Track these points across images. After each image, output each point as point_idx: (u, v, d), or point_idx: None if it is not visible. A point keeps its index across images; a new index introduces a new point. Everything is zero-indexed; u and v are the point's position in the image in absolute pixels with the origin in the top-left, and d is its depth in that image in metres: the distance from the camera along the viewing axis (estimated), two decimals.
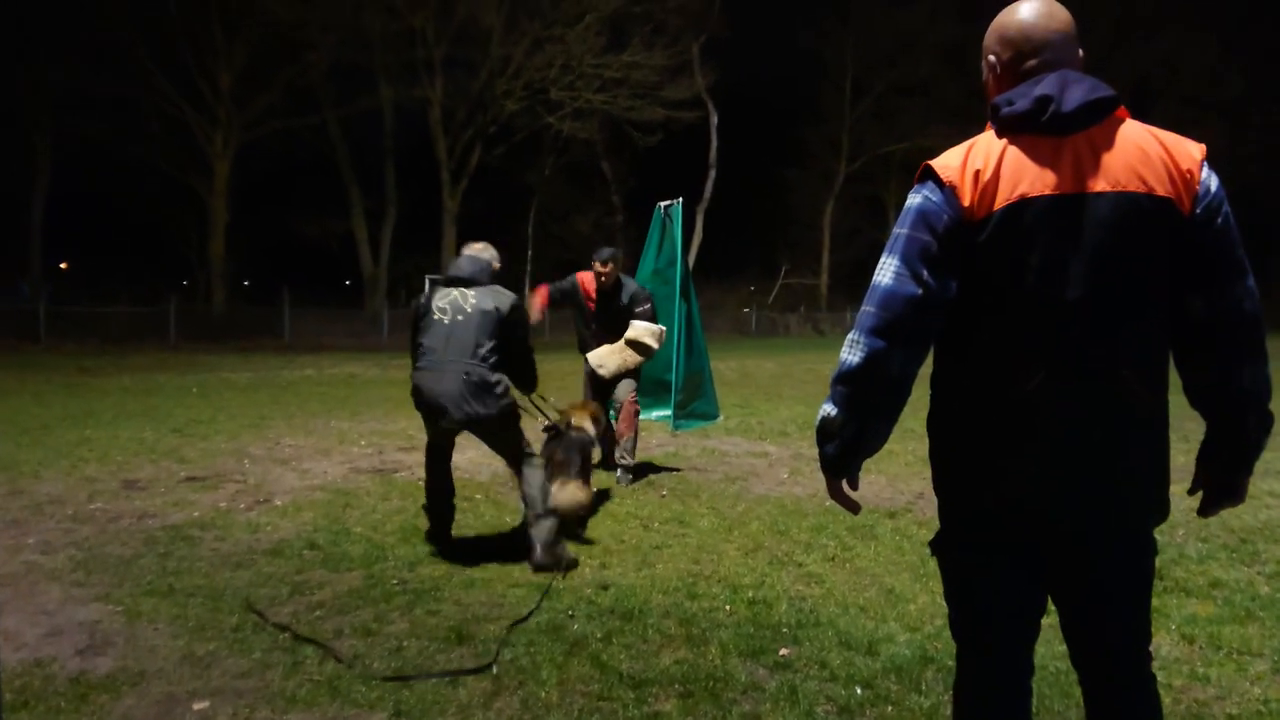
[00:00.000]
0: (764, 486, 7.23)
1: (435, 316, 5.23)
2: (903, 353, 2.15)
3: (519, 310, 5.33)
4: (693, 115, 37.94)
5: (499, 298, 5.29)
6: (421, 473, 5.70)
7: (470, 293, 5.30)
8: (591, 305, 7.83)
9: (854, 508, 2.35)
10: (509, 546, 5.44)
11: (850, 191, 53.23)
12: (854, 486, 2.32)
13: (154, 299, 29.51)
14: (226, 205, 33.22)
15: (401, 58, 33.93)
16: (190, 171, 33.20)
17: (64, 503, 6.54)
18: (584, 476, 5.82)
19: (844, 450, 2.22)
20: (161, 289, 32.16)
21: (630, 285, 7.84)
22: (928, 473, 7.28)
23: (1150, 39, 54.44)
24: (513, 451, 5.35)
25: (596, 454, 6.81)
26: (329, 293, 42.06)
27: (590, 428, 6.36)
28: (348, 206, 36.99)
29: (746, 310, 44.68)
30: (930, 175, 2.19)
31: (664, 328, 8.01)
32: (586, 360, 7.79)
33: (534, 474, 5.29)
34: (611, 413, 7.84)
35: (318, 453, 8.73)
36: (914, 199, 2.19)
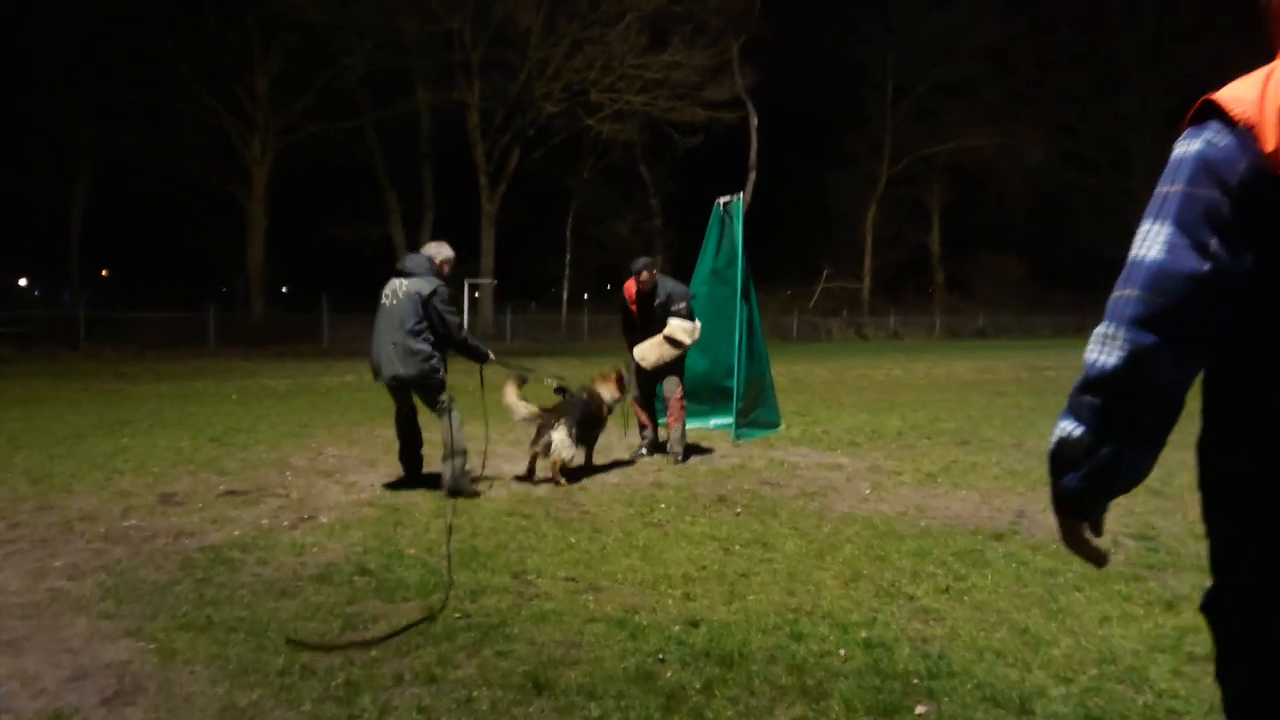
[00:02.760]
0: (846, 504, 6.65)
1: (382, 302, 6.91)
2: (1177, 352, 1.60)
3: (436, 294, 6.78)
4: (733, 116, 37.37)
5: (424, 285, 6.80)
6: (475, 486, 6.95)
7: (405, 282, 6.87)
8: (635, 309, 8.73)
9: (1099, 559, 1.79)
10: (579, 571, 4.92)
11: (892, 194, 52.41)
12: (1097, 531, 1.76)
13: (193, 305, 29.35)
14: (265, 211, 33.08)
15: (438, 60, 33.63)
16: (228, 178, 33.11)
17: (96, 519, 6.09)
18: (569, 431, 7.17)
19: (1092, 482, 1.66)
20: (200, 295, 32.04)
21: (667, 285, 8.56)
22: (1021, 487, 6.59)
23: (1198, 37, 53.15)
24: (433, 404, 6.91)
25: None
26: (367, 298, 41.80)
27: (605, 394, 7.72)
28: (385, 211, 36.75)
29: (788, 315, 43.93)
30: (1214, 112, 1.62)
31: (698, 324, 8.53)
32: (632, 355, 8.59)
33: (447, 422, 6.86)
34: (659, 405, 8.89)
35: (363, 464, 8.25)
36: (1190, 145, 1.63)
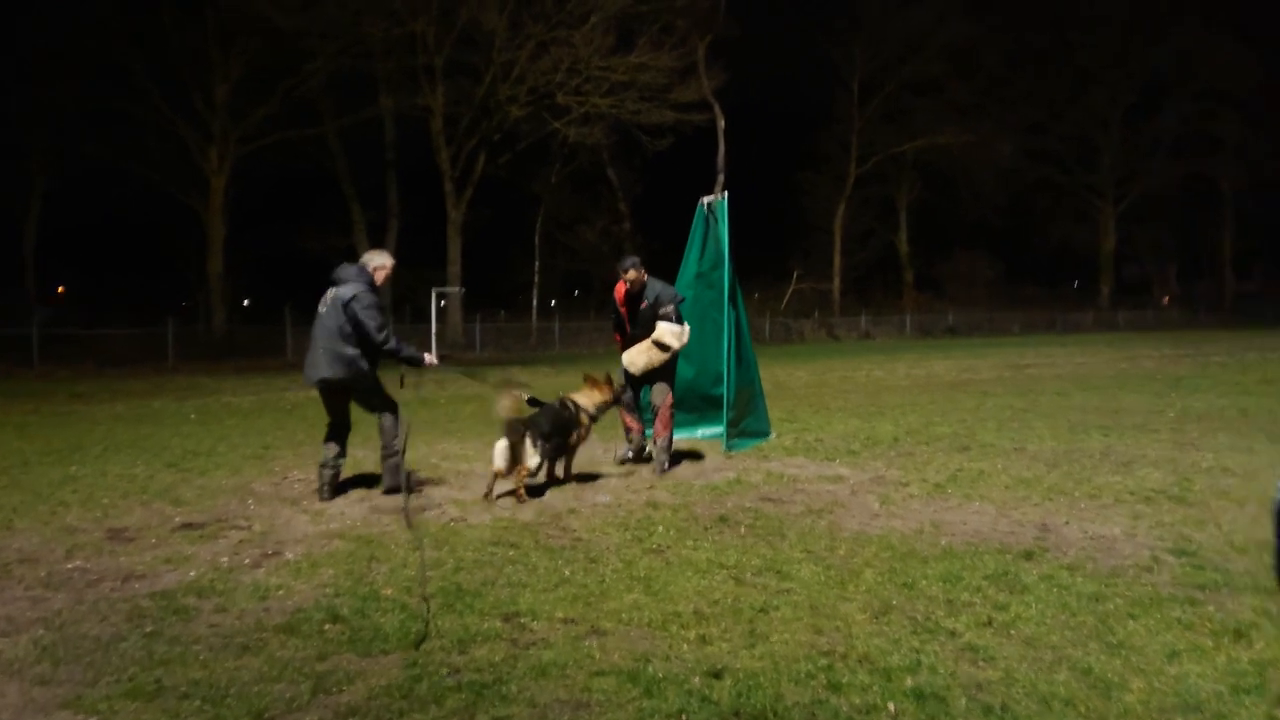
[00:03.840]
0: (856, 521, 6.18)
1: (318, 309, 7.12)
2: None
3: (355, 299, 6.91)
4: (702, 118, 36.91)
5: (349, 291, 6.97)
6: (453, 510, 6.68)
7: (336, 289, 7.06)
8: (624, 311, 8.53)
9: None
10: (578, 611, 4.41)
11: (861, 193, 52.28)
12: None
13: (152, 320, 28.51)
14: (224, 222, 32.25)
15: (402, 65, 32.91)
16: (187, 188, 32.23)
17: (36, 561, 5.50)
18: (534, 442, 6.95)
19: None
20: (161, 310, 31.17)
21: (656, 286, 8.31)
22: (1036, 498, 6.06)
23: (1163, 36, 53.54)
24: (370, 405, 7.27)
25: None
26: None
27: (585, 401, 7.55)
28: (349, 220, 35.97)
29: (760, 317, 43.58)
30: None
31: (687, 328, 8.29)
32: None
33: (384, 422, 7.23)
34: (647, 415, 8.65)
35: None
36: None
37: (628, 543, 5.71)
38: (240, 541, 5.96)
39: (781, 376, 18.99)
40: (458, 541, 5.80)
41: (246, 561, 5.48)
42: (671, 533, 5.91)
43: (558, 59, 32.31)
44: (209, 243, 32.27)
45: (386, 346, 7.00)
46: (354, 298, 6.90)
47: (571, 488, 7.42)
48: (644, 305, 8.28)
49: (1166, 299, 68.49)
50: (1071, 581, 4.72)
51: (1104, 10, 54.21)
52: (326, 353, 6.95)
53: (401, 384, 7.50)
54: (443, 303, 32.66)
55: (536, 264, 41.40)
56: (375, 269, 7.26)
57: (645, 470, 8.20)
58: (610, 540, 5.78)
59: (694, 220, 9.75)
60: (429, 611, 4.38)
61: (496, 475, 7.06)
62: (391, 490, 6.98)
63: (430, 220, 36.39)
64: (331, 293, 7.07)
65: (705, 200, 9.73)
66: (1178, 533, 5.71)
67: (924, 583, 4.75)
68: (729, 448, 9.07)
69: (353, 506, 6.96)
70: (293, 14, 28.19)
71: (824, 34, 48.64)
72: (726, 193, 9.44)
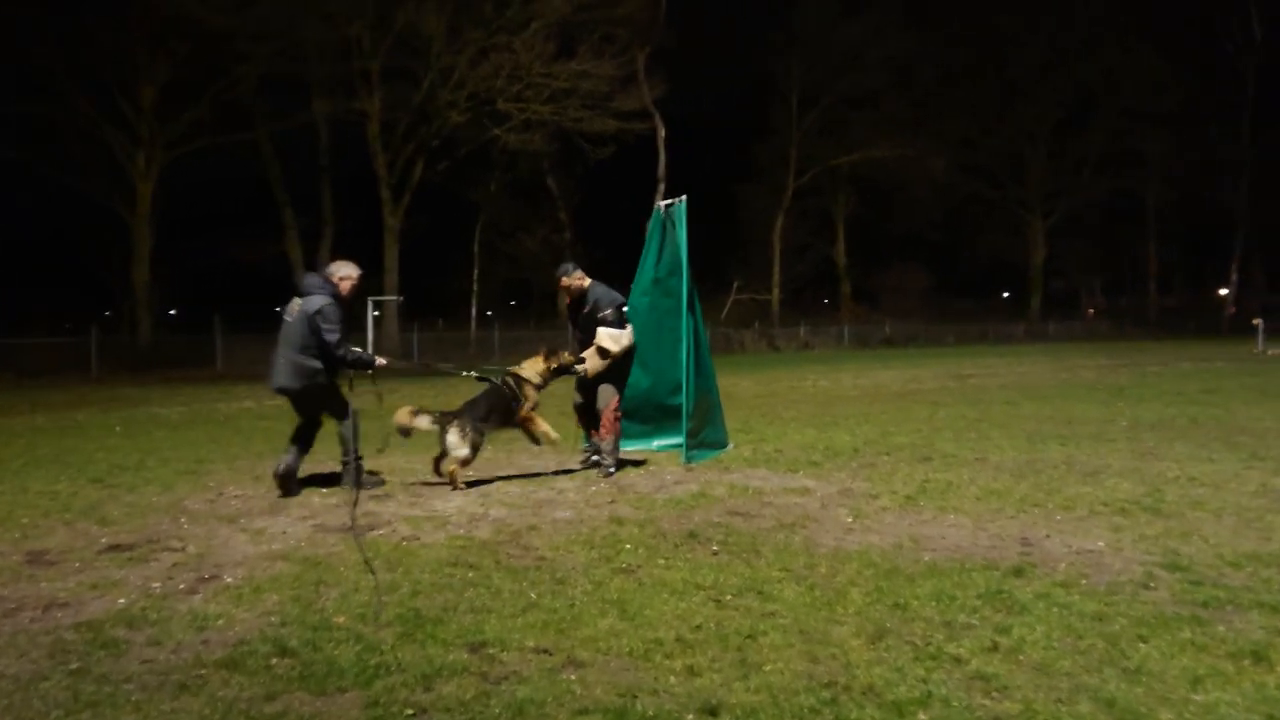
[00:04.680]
0: (831, 536, 5.91)
1: (283, 318, 7.40)
2: None
3: (320, 312, 7.19)
4: (644, 127, 36.86)
5: (313, 303, 7.24)
6: (405, 528, 6.30)
7: (301, 300, 7.31)
8: (571, 317, 8.73)
9: None
10: (551, 639, 4.07)
11: (799, 206, 52.60)
12: None
13: (75, 329, 27.42)
14: (151, 229, 31.18)
15: (337, 69, 32.18)
16: (111, 194, 31.10)
17: None
18: (462, 431, 7.43)
19: None
20: (84, 318, 30.02)
21: (596, 292, 8.37)
22: (1010, 509, 5.82)
23: (1090, 53, 54.77)
24: (330, 411, 7.58)
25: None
26: (264, 320, 39.98)
27: (527, 372, 7.94)
28: (281, 227, 35.07)
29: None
30: None
31: (628, 330, 8.29)
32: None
33: (342, 429, 7.58)
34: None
35: (271, 506, 7.21)
36: None
37: (595, 562, 5.38)
38: (174, 564, 5.50)
39: (728, 386, 18.74)
40: (412, 562, 5.41)
41: (181, 587, 5.04)
42: (640, 551, 5.59)
43: (498, 65, 31.90)
44: (135, 250, 31.19)
45: (345, 357, 7.31)
46: (319, 311, 7.18)
47: (530, 504, 7.06)
48: (584, 311, 8.36)
49: (1091, 311, 70.05)
50: (1070, 600, 4.50)
51: (1032, 26, 55.34)
52: (287, 363, 7.25)
53: (381, 401, 8.07)
54: (377, 312, 31.95)
55: (475, 272, 40.85)
56: (340, 279, 7.53)
57: (605, 483, 7.87)
58: (576, 559, 5.44)
59: (650, 225, 9.48)
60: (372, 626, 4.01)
61: (437, 460, 7.75)
62: (357, 487, 7.30)
63: (366, 227, 35.67)
64: (297, 303, 7.30)
65: (663, 204, 9.46)
66: (1164, 546, 5.54)
67: (916, 603, 4.49)
68: (688, 459, 8.78)
69: (296, 525, 6.51)
70: (224, 14, 27.37)
71: (761, 46, 48.95)
72: (685, 197, 9.17)
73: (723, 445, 9.62)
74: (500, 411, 7.75)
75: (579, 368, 8.18)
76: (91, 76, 29.21)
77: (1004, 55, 55.17)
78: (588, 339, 8.29)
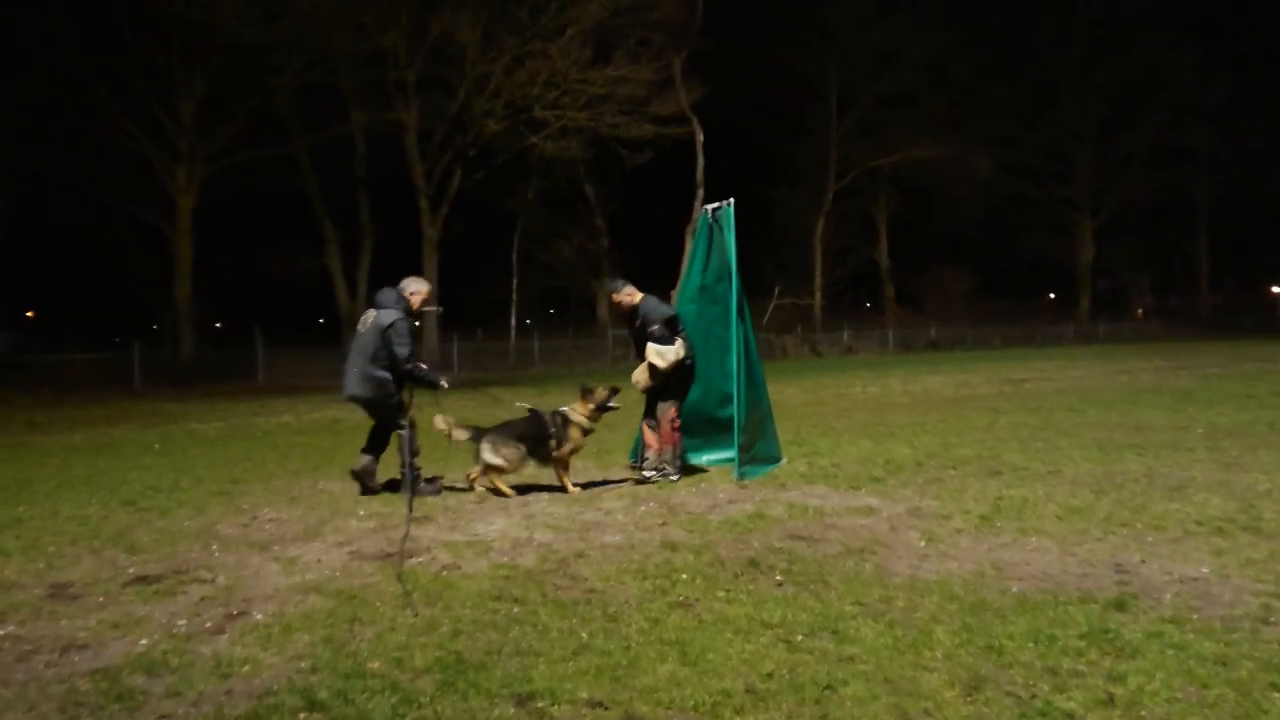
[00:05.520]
0: (905, 563, 5.45)
1: (357, 329, 7.92)
2: None
3: (393, 326, 7.66)
4: (681, 131, 36.43)
5: (385, 317, 7.71)
6: (445, 555, 5.96)
7: (375, 313, 7.80)
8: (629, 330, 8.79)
9: None
10: (606, 688, 3.66)
11: (840, 208, 51.96)
12: None
13: (118, 344, 27.49)
14: (191, 243, 31.28)
15: (372, 80, 32.12)
16: (152, 208, 31.25)
17: None
18: (492, 445, 7.74)
19: None
20: (126, 334, 30.14)
21: (645, 306, 8.42)
22: (1096, 530, 5.05)
23: (1133, 46, 53.68)
24: (391, 421, 7.92)
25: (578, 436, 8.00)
26: (304, 331, 40.07)
27: (573, 415, 7.97)
28: (321, 240, 35.08)
29: None
30: None
31: (676, 345, 8.20)
32: None
33: (403, 439, 7.85)
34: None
35: (306, 530, 6.86)
36: None
37: (649, 594, 4.96)
38: (201, 599, 5.16)
39: (774, 394, 18.20)
40: (453, 596, 5.02)
41: (208, 625, 4.69)
42: (698, 581, 5.16)
43: (534, 72, 31.64)
44: (176, 264, 31.30)
45: (417, 373, 7.80)
46: (392, 325, 7.66)
47: (576, 526, 6.66)
48: (636, 326, 8.44)
49: (1140, 311, 68.60)
50: (1184, 639, 4.01)
51: (1069, 23, 54.35)
52: (358, 372, 7.73)
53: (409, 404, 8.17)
54: (418, 322, 31.81)
55: (514, 281, 40.64)
56: (411, 294, 7.95)
57: (654, 503, 7.46)
58: (629, 591, 5.03)
59: (697, 230, 9.06)
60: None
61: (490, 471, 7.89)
62: (415, 495, 7.52)
63: (405, 238, 35.58)
64: (371, 315, 7.83)
65: (710, 208, 9.04)
66: (1275, 572, 5.02)
67: (1011, 645, 4.03)
68: (740, 475, 8.33)
69: (331, 552, 6.16)
70: (257, 28, 27.35)
71: (798, 46, 48.38)
72: (732, 200, 8.75)
73: (776, 460, 9.16)
74: (532, 441, 7.88)
75: (614, 403, 8.20)
76: (131, 92, 29.39)
77: (1043, 52, 54.24)
78: (642, 355, 8.34)
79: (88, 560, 6.12)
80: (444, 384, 8.02)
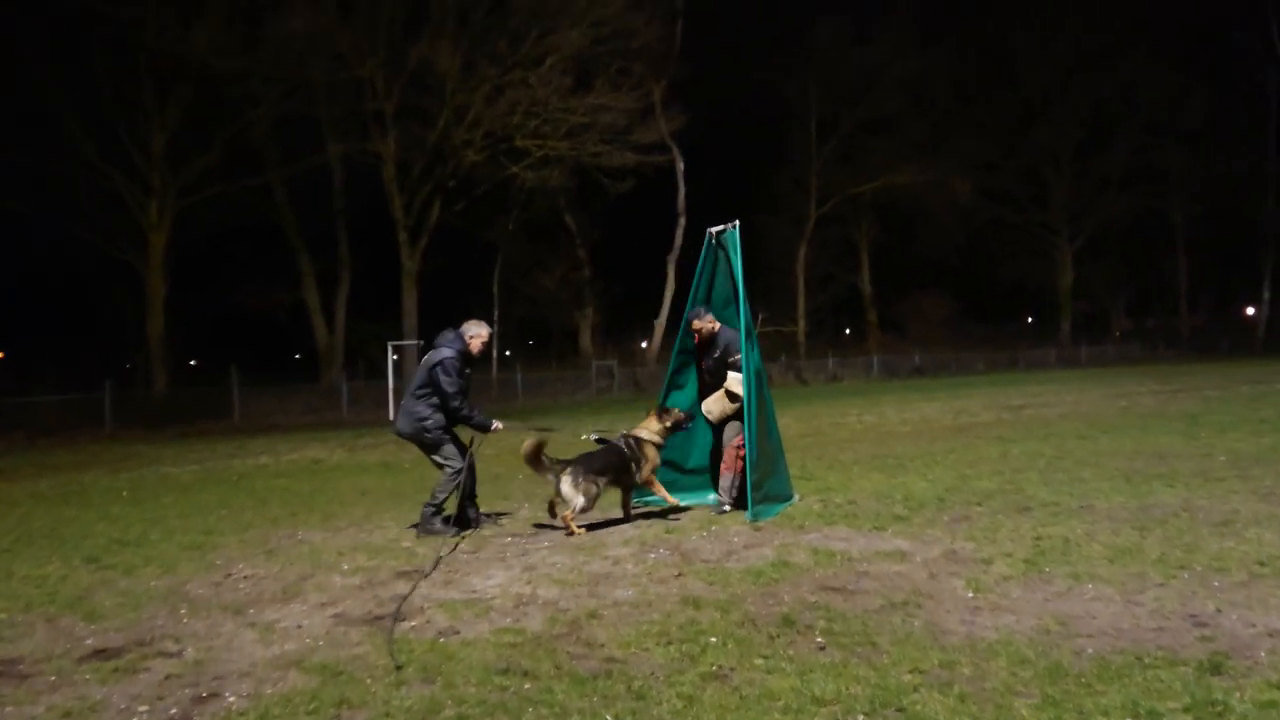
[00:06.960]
0: (956, 618, 4.90)
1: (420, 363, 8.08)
2: None
3: (441, 364, 7.68)
4: (662, 159, 36.14)
5: (437, 355, 7.76)
6: (441, 618, 5.39)
7: (432, 351, 7.87)
8: (701, 356, 8.75)
9: None
10: None
11: (821, 235, 51.80)
12: None
13: (89, 385, 26.64)
14: (165, 279, 30.56)
15: (350, 110, 31.63)
16: (123, 244, 30.52)
17: None
18: (574, 480, 7.46)
19: None
20: (98, 374, 29.27)
21: (725, 335, 8.39)
22: (1155, 575, 4.39)
23: (1108, 68, 53.99)
24: (432, 456, 7.88)
25: (654, 457, 8.03)
26: (281, 368, 39.31)
27: (644, 433, 8.01)
28: (298, 273, 34.41)
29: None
30: None
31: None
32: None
33: (441, 476, 7.86)
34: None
35: (285, 589, 6.24)
36: None
37: (677, 663, 4.38)
38: (166, 677, 4.55)
39: None
40: (454, 670, 4.42)
41: (173, 712, 4.08)
42: (729, 645, 4.59)
43: (514, 101, 31.28)
44: (149, 301, 30.53)
45: (460, 412, 7.74)
46: (440, 363, 7.68)
47: (584, 579, 6.07)
48: (715, 355, 8.41)
49: (1118, 334, 68.71)
50: None
51: (1046, 42, 54.60)
52: (404, 407, 7.88)
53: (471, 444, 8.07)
54: (396, 356, 31.10)
55: (495, 313, 40.05)
56: (471, 337, 7.95)
57: (664, 549, 6.88)
58: (653, 660, 4.45)
59: (702, 254, 8.56)
60: None
61: (553, 503, 7.74)
62: (424, 533, 7.70)
63: (384, 271, 34.96)
64: (428, 354, 7.93)
65: (713, 230, 8.54)
66: None
67: (1096, 717, 3.48)
68: (753, 516, 7.76)
69: (313, 615, 5.55)
70: (231, 57, 26.82)
71: (778, 73, 48.30)
72: (738, 222, 8.25)
73: (788, 498, 8.60)
74: (616, 469, 7.81)
75: (688, 425, 8.32)
76: (101, 125, 28.77)
77: (1020, 73, 54.47)
78: (715, 383, 8.40)
79: (41, 630, 5.49)
80: (497, 426, 7.92)
